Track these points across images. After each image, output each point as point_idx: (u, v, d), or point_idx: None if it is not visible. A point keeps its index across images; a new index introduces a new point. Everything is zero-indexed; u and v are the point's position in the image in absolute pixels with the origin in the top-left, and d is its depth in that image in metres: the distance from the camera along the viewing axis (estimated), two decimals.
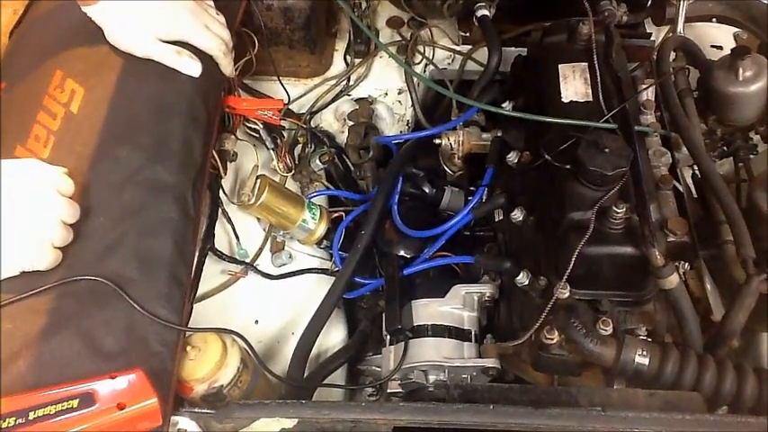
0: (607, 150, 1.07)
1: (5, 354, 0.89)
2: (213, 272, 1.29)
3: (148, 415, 0.86)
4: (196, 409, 0.94)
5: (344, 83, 1.59)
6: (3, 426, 0.79)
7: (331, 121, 1.62)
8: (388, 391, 1.23)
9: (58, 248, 0.95)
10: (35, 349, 0.89)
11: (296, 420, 0.92)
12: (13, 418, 0.80)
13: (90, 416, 0.82)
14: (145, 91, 1.13)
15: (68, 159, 1.03)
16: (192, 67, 1.16)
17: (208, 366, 0.99)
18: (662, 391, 0.99)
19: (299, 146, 1.53)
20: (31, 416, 0.81)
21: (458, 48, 1.63)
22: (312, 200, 1.44)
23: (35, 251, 0.93)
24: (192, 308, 1.06)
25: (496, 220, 1.33)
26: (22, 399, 0.83)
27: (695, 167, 1.30)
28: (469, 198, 1.38)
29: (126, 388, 0.85)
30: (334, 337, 1.38)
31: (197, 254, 1.14)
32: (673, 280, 1.04)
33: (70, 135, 1.07)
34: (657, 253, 1.03)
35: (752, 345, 1.21)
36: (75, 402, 0.83)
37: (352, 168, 1.58)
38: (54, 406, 0.82)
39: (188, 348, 0.99)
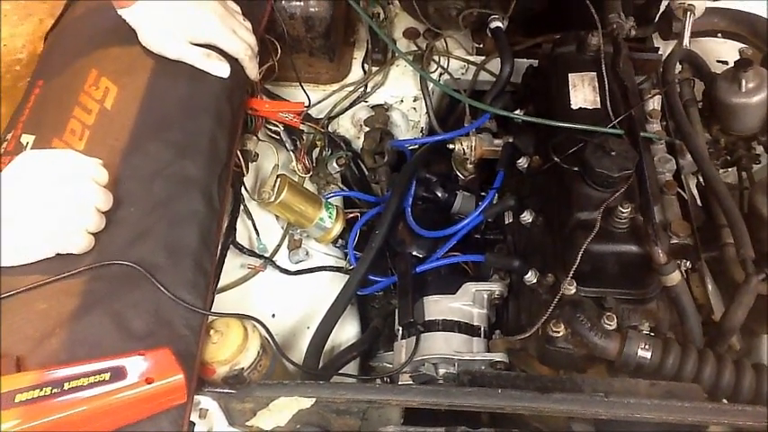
0: (613, 153, 1.12)
1: (40, 332, 0.94)
2: (234, 265, 1.33)
3: (175, 390, 0.90)
4: (218, 389, 0.99)
5: (362, 90, 1.64)
6: (40, 394, 0.84)
7: (348, 126, 1.67)
8: (400, 383, 1.26)
9: (92, 234, 1.00)
10: (68, 328, 0.94)
11: (313, 400, 0.96)
12: (50, 388, 0.85)
13: (120, 389, 0.86)
14: (175, 90, 1.18)
15: (102, 152, 1.08)
16: (221, 69, 1.21)
17: (230, 349, 1.03)
18: (663, 381, 1.02)
19: (317, 149, 1.58)
20: (66, 386, 0.85)
21: (471, 58, 1.67)
22: (329, 200, 1.48)
23: (70, 235, 0.98)
24: (213, 297, 1.10)
25: (506, 221, 1.37)
26: (58, 371, 0.87)
27: (700, 176, 1.35)
28: (480, 202, 1.41)
29: (154, 364, 0.89)
30: (347, 332, 1.42)
31: (220, 246, 1.18)
32: (675, 277, 1.08)
33: (104, 130, 1.13)
34: (660, 251, 1.07)
35: (753, 347, 1.25)
36: (107, 375, 0.87)
37: (366, 172, 1.63)
38: (87, 378, 0.86)
39: (211, 332, 1.03)
